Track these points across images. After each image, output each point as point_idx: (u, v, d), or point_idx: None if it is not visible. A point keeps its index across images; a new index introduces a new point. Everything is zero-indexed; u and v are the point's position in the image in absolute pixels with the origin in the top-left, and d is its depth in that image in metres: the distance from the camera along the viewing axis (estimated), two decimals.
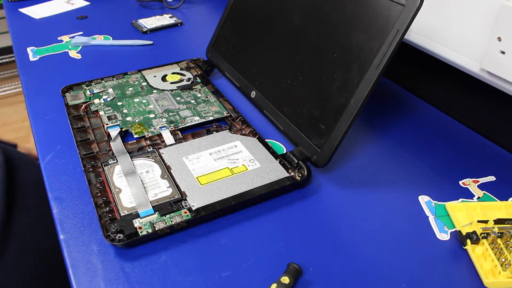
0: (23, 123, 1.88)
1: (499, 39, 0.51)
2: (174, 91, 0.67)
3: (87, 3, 1.05)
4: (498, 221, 0.46)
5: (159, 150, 0.55)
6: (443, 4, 0.58)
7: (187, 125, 0.60)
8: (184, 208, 0.47)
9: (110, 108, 0.63)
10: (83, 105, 0.63)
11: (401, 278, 0.42)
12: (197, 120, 0.61)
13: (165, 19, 0.95)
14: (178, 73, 0.72)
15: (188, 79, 0.70)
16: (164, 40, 0.87)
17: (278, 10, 0.62)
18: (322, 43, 0.55)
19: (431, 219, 0.49)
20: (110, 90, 0.66)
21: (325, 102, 0.53)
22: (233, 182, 0.50)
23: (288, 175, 0.52)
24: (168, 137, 0.57)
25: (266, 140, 0.57)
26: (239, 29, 0.70)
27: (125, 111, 0.62)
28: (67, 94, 0.66)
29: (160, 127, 0.59)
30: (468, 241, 0.45)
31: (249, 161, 0.54)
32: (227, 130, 0.59)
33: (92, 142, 0.57)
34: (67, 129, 0.60)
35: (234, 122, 0.61)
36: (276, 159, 0.54)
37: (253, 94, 0.64)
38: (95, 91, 0.66)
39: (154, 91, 0.67)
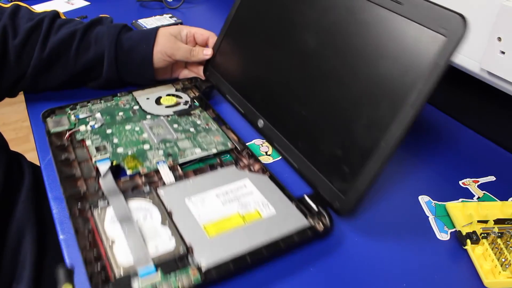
0: (23, 123, 1.88)
1: (499, 39, 0.51)
2: (170, 116, 0.60)
3: (87, 3, 1.04)
4: (498, 221, 0.46)
5: (157, 189, 0.48)
6: (443, 4, 0.53)
7: (188, 159, 0.53)
8: (191, 265, 0.40)
9: (98, 136, 0.55)
10: (68, 133, 0.55)
11: (401, 278, 0.42)
12: (198, 153, 0.54)
13: (165, 19, 0.94)
14: (173, 95, 0.64)
15: (186, 102, 0.63)
16: None
17: (289, 26, 0.56)
18: (344, 71, 0.49)
19: (431, 219, 0.49)
20: (98, 115, 0.59)
21: (348, 140, 0.47)
22: (246, 233, 0.44)
23: (308, 223, 0.45)
24: (166, 174, 0.50)
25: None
26: (241, 45, 0.64)
27: (115, 140, 0.55)
28: (48, 119, 0.58)
29: (156, 162, 0.52)
30: (468, 241, 0.45)
31: (263, 205, 0.47)
32: (234, 166, 0.53)
33: (79, 178, 0.50)
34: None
35: (240, 155, 0.55)
36: (292, 202, 0.48)
37: (260, 123, 0.57)
38: (80, 116, 0.58)
39: (148, 116, 0.60)
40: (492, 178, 0.54)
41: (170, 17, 0.95)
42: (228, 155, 0.55)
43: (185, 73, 0.69)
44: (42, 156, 0.55)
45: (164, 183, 0.50)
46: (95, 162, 0.51)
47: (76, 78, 0.64)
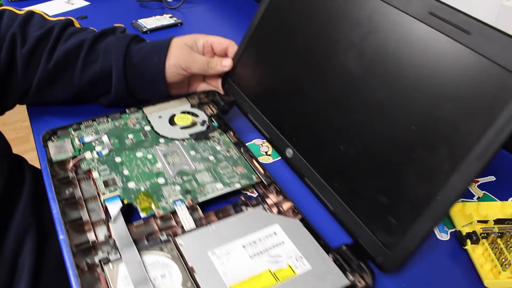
0: (23, 123, 1.86)
1: None
2: (186, 141, 0.53)
3: (87, 3, 1.03)
4: (498, 221, 0.46)
5: (176, 238, 0.42)
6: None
7: (209, 197, 0.47)
8: None
9: (106, 167, 0.49)
10: (72, 162, 0.49)
11: (401, 278, 0.42)
12: (220, 189, 0.48)
13: (165, 19, 0.92)
14: (189, 113, 0.58)
15: (203, 122, 0.56)
16: None
17: (328, 44, 0.48)
18: (393, 105, 0.42)
19: None
20: (105, 139, 0.52)
21: (397, 188, 0.41)
22: None
23: (348, 282, 0.40)
24: (185, 218, 0.44)
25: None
26: (267, 58, 0.56)
27: (126, 172, 0.48)
28: (49, 143, 0.51)
29: (173, 201, 0.46)
30: (468, 241, 0.45)
31: (296, 259, 0.41)
32: (260, 207, 0.47)
33: (86, 223, 0.44)
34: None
35: (266, 190, 0.49)
36: (329, 255, 0.42)
37: (289, 153, 0.51)
38: (86, 140, 0.52)
39: (161, 140, 0.53)
40: (492, 178, 0.54)
41: (170, 17, 0.94)
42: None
43: (203, 87, 0.62)
44: (42, 156, 0.52)
45: (183, 229, 0.44)
46: (104, 201, 0.45)
47: (84, 93, 0.58)
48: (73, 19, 0.61)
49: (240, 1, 1.07)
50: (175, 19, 0.93)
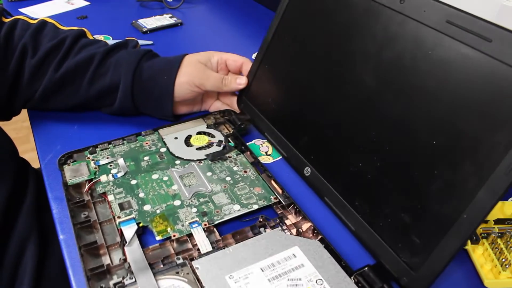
0: (23, 123, 1.84)
1: None
2: (202, 162, 0.53)
3: (87, 3, 1.03)
4: (498, 221, 0.46)
5: (192, 262, 0.41)
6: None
7: (226, 218, 0.46)
8: None
9: (121, 190, 0.48)
10: (87, 185, 0.48)
11: None
12: (237, 210, 0.47)
13: (165, 19, 0.93)
14: (205, 133, 0.57)
15: (219, 142, 0.55)
16: (164, 40, 0.83)
17: (344, 58, 0.47)
18: (412, 120, 0.40)
19: None
20: (121, 162, 0.52)
21: (420, 205, 0.39)
22: None
23: None
24: (202, 241, 0.43)
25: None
26: (282, 74, 0.55)
27: (141, 194, 0.48)
28: (65, 167, 0.51)
29: (189, 224, 0.45)
30: (468, 241, 0.45)
31: (316, 282, 0.40)
32: (279, 228, 0.45)
33: (101, 246, 0.43)
34: (66, 220, 0.46)
35: (285, 211, 0.47)
36: (351, 277, 0.40)
37: (307, 171, 0.49)
38: (101, 163, 0.51)
39: (177, 162, 0.52)
40: None
41: (170, 17, 0.93)
42: (271, 212, 0.47)
43: (217, 106, 0.61)
44: (42, 156, 0.53)
45: (199, 252, 0.43)
46: (119, 224, 0.44)
47: (88, 103, 0.58)
48: (85, 30, 0.61)
49: (240, 1, 1.06)
50: (175, 19, 0.92)
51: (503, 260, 0.42)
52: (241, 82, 0.58)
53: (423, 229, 0.38)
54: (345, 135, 0.46)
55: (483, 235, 0.45)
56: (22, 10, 1.00)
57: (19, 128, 1.80)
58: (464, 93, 0.37)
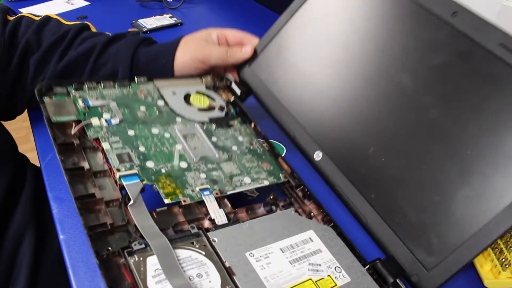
0: (23, 123, 1.76)
1: None
2: (205, 124, 0.48)
3: (87, 3, 1.03)
4: None
5: (208, 233, 0.37)
6: None
7: (237, 190, 0.42)
8: None
9: (118, 138, 0.42)
10: (77, 127, 0.41)
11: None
12: (248, 183, 0.43)
13: (165, 19, 0.93)
14: (205, 95, 0.52)
15: (221, 108, 0.51)
16: (164, 40, 0.82)
17: (379, 51, 0.46)
18: (448, 126, 0.41)
19: None
20: (114, 105, 0.45)
21: (444, 208, 0.40)
22: None
23: None
24: (217, 211, 0.39)
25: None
26: (302, 50, 0.52)
27: (141, 149, 0.42)
28: (47, 99, 0.42)
29: (200, 190, 0.40)
30: None
31: (335, 269, 0.38)
32: (292, 209, 0.43)
33: (99, 201, 0.36)
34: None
35: (293, 191, 0.45)
36: (364, 267, 0.40)
37: (317, 155, 0.48)
38: (91, 103, 0.44)
39: (178, 119, 0.47)
40: None
41: (170, 17, 0.94)
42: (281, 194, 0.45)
43: None
44: (42, 156, 0.51)
45: (212, 222, 0.38)
46: (120, 178, 0.38)
47: None
48: (89, 24, 0.59)
49: (240, 1, 1.07)
50: (175, 19, 0.93)
51: (503, 260, 0.43)
52: (247, 51, 0.55)
53: (444, 231, 0.39)
54: (369, 127, 0.45)
55: None
56: (22, 10, 0.99)
57: (19, 128, 1.70)
58: (508, 116, 0.38)
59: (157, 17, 0.93)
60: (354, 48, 0.48)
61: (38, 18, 0.57)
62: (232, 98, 0.53)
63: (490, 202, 0.38)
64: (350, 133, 0.46)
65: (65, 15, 0.94)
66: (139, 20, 0.91)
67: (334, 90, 0.49)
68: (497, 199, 0.37)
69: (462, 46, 0.42)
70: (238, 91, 0.53)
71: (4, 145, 0.58)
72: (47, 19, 0.57)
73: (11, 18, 0.56)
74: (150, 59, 0.54)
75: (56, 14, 0.57)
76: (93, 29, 0.60)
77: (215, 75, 0.55)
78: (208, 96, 0.52)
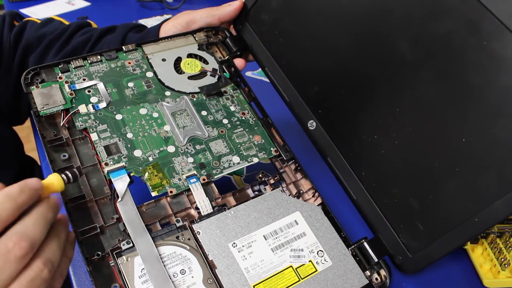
0: (24, 123, 1.68)
1: None
2: (196, 96, 0.47)
3: (88, 3, 1.04)
4: None
5: (193, 226, 0.39)
6: None
7: (224, 173, 0.43)
8: None
9: (105, 126, 0.42)
10: (65, 118, 0.42)
11: (400, 277, 0.43)
12: (236, 162, 0.43)
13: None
14: (197, 56, 0.49)
15: (214, 71, 0.49)
16: None
17: (374, 16, 0.41)
18: (444, 107, 0.38)
19: None
20: (101, 87, 0.44)
21: (432, 196, 0.39)
22: None
23: (366, 281, 0.40)
24: (202, 200, 0.40)
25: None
26: (297, 11, 0.48)
27: (129, 135, 0.42)
28: (34, 89, 0.42)
29: (187, 177, 0.41)
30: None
31: (317, 253, 0.40)
32: (280, 188, 0.43)
33: (89, 201, 0.39)
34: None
35: (285, 166, 0.45)
36: (349, 249, 0.41)
37: (312, 125, 0.46)
38: (77, 86, 0.43)
39: (167, 93, 0.46)
40: None
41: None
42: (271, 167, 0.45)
43: None
44: (42, 156, 0.53)
45: (198, 212, 0.40)
46: (108, 173, 0.40)
47: None
48: (91, 22, 0.60)
49: None
50: None
51: (502, 259, 0.43)
52: (236, 2, 0.51)
53: (431, 218, 0.39)
54: (364, 100, 0.43)
55: (482, 235, 0.46)
56: (22, 10, 1.00)
57: (19, 128, 1.64)
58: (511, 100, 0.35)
59: (157, 17, 0.94)
60: (359, 16, 0.43)
61: (39, 21, 0.59)
62: (226, 56, 0.50)
63: (481, 196, 0.36)
64: (347, 105, 0.44)
65: (66, 15, 0.98)
66: (139, 21, 0.92)
67: (332, 57, 0.45)
68: (488, 193, 0.36)
69: (472, 15, 0.36)
70: (234, 48, 0.50)
71: (11, 147, 0.60)
72: (49, 20, 0.59)
73: (17, 24, 0.58)
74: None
75: (57, 15, 0.60)
76: (95, 26, 0.60)
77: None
78: (200, 58, 0.49)
